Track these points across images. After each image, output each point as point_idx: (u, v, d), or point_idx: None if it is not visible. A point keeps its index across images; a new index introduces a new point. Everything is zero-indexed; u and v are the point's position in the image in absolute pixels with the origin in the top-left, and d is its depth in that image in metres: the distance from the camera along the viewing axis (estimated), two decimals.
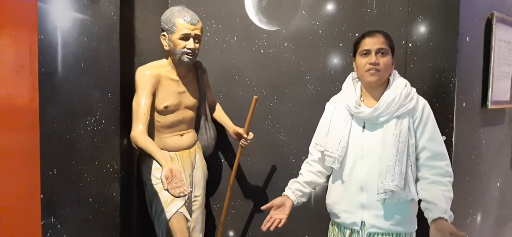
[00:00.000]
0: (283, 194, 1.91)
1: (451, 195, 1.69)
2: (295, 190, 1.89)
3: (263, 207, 1.84)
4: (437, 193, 1.67)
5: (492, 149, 2.59)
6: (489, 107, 2.40)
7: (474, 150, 2.37)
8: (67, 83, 1.41)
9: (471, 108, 2.27)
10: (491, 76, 2.38)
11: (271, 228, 1.79)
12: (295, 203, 1.88)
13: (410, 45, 2.32)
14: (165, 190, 1.66)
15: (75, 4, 1.44)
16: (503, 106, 2.62)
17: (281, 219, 1.81)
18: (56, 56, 1.30)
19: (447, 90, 2.11)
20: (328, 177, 1.96)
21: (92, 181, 1.59)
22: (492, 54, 2.37)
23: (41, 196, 1.19)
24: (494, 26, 2.36)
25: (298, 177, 1.95)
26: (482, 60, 2.37)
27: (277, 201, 1.86)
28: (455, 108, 2.08)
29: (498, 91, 2.50)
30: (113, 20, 1.71)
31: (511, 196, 2.95)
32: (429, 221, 1.66)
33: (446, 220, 1.60)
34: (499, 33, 2.43)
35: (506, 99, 2.63)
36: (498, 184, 2.73)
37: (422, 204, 1.72)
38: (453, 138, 2.07)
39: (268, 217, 1.82)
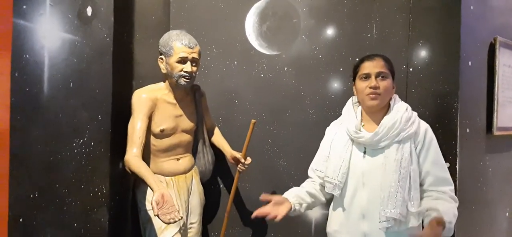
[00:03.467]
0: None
1: (456, 212, 1.63)
2: (295, 195, 1.80)
3: (262, 197, 1.70)
4: (443, 204, 1.61)
5: (499, 177, 2.51)
6: (494, 134, 2.33)
7: (479, 178, 2.29)
8: (53, 104, 1.37)
9: (475, 134, 2.21)
10: (495, 102, 2.33)
11: (267, 218, 1.66)
12: (293, 208, 1.76)
13: (411, 69, 2.29)
14: (155, 215, 1.61)
15: (65, 25, 1.42)
16: (510, 133, 2.55)
17: (277, 215, 1.67)
18: (42, 75, 1.27)
19: (450, 115, 2.06)
20: (329, 200, 1.90)
21: (77, 205, 1.54)
22: (496, 79, 2.32)
23: (20, 219, 1.13)
24: (497, 50, 2.32)
25: (299, 187, 1.87)
26: (486, 85, 2.32)
27: (277, 197, 1.74)
28: (458, 134, 2.03)
29: (504, 117, 2.44)
30: (106, 41, 1.70)
31: None
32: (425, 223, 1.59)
33: (443, 224, 1.51)
34: (503, 58, 2.39)
35: None
36: (507, 214, 2.63)
37: (425, 214, 1.64)
38: (457, 165, 2.01)
39: (262, 208, 1.68)
